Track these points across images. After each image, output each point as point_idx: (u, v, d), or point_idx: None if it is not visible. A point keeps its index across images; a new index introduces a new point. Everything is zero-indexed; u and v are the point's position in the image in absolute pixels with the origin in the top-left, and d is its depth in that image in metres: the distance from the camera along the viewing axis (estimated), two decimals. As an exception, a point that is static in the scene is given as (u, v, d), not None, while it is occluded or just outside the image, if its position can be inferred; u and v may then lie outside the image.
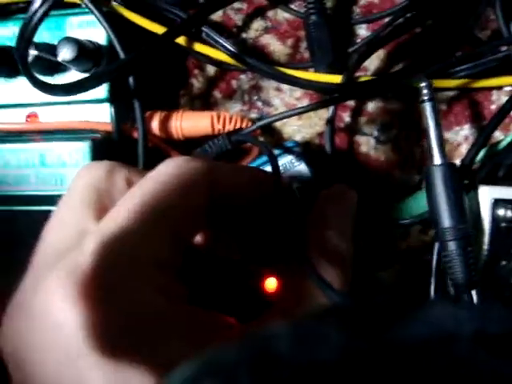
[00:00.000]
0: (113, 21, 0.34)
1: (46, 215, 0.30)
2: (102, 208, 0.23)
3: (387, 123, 0.37)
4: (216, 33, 0.35)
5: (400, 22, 0.36)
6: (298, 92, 0.37)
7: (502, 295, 0.33)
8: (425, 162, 0.36)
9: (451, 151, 0.37)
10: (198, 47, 0.35)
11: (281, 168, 0.32)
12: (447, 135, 0.37)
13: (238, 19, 0.38)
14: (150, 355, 0.19)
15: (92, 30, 0.34)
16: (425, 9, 0.37)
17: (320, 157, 0.35)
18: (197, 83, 0.38)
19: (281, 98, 0.38)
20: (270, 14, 0.38)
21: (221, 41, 0.35)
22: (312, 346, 0.14)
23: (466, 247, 0.31)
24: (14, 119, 0.35)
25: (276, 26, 0.38)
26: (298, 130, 0.38)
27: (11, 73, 0.34)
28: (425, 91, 0.31)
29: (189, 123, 0.35)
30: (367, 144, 0.37)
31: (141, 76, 0.34)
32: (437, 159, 0.31)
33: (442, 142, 0.31)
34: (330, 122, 0.35)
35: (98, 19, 0.33)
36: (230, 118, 0.35)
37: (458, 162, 0.36)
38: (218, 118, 0.35)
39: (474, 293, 0.32)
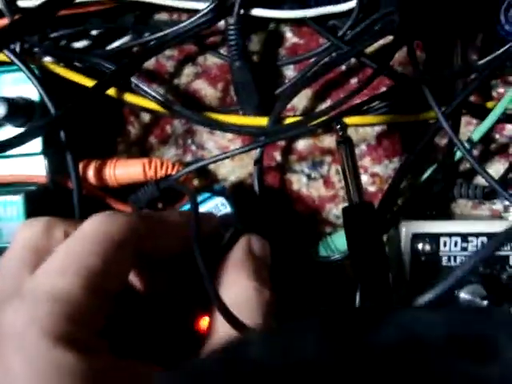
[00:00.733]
0: (45, 77, 0.35)
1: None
2: (39, 264, 0.24)
3: (318, 160, 0.39)
4: (144, 83, 0.36)
5: (325, 62, 0.38)
6: (230, 134, 0.39)
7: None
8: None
9: (382, 184, 0.38)
10: (129, 97, 0.37)
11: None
12: (377, 169, 0.38)
13: (169, 66, 0.39)
14: None
15: (25, 86, 0.35)
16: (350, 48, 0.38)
17: (250, 196, 0.37)
18: (133, 130, 0.40)
19: (214, 140, 0.39)
20: (200, 59, 0.39)
21: (149, 90, 0.36)
22: (287, 350, 0.15)
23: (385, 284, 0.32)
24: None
25: (206, 70, 0.39)
26: (231, 170, 0.39)
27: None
28: (340, 133, 0.32)
29: (122, 171, 0.36)
30: (299, 181, 0.39)
31: (74, 128, 0.36)
32: (353, 198, 0.32)
33: (357, 181, 0.32)
34: (258, 162, 0.36)
35: (28, 77, 0.34)
36: (162, 164, 0.36)
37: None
38: (150, 164, 0.36)
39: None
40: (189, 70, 0.39)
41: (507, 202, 0.36)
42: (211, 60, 0.39)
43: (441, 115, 0.33)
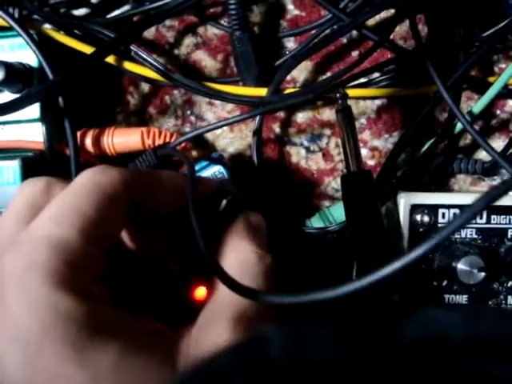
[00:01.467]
0: (43, 43, 0.35)
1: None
2: None
3: (317, 133, 0.38)
4: (144, 51, 0.36)
5: (326, 34, 0.37)
6: (230, 106, 0.38)
7: (423, 297, 0.33)
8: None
9: (381, 158, 0.38)
10: (129, 66, 0.36)
11: (204, 180, 0.33)
12: (376, 143, 0.38)
13: (169, 36, 0.39)
14: (75, 363, 0.20)
15: (23, 52, 0.35)
16: (351, 20, 0.37)
17: (249, 168, 0.36)
18: (132, 100, 0.39)
19: (213, 111, 0.39)
20: (201, 30, 0.39)
21: (149, 59, 0.36)
22: (305, 349, 0.15)
23: (381, 252, 0.32)
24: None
25: (206, 41, 0.39)
26: (230, 142, 0.39)
27: None
28: (339, 101, 0.32)
29: (120, 139, 0.36)
30: (298, 154, 0.38)
31: (72, 95, 0.35)
32: (351, 167, 0.32)
33: (356, 151, 0.32)
34: (257, 133, 0.36)
35: (27, 42, 0.34)
36: (160, 133, 0.36)
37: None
38: (148, 133, 0.36)
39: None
40: (189, 41, 0.39)
41: (507, 178, 0.36)
42: (211, 31, 0.39)
43: (441, 85, 0.33)
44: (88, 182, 0.25)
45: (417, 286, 0.33)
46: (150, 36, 0.39)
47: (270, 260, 0.28)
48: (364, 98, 0.38)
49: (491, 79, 0.37)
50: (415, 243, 0.31)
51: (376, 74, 0.37)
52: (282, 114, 0.38)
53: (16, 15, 0.36)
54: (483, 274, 0.31)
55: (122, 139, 0.36)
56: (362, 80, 0.37)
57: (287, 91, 0.36)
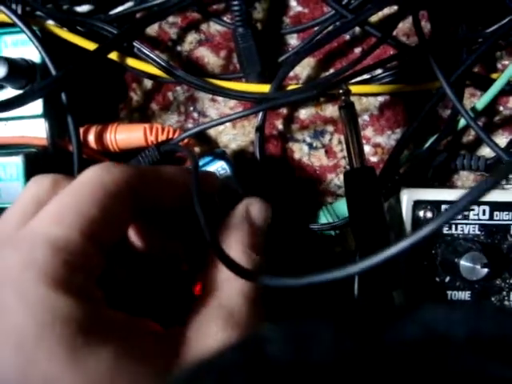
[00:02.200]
0: (46, 39, 0.35)
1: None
2: None
3: (320, 129, 0.38)
4: (147, 47, 0.36)
5: (329, 30, 0.37)
6: (232, 102, 0.39)
7: (426, 293, 0.33)
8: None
9: (384, 155, 0.38)
10: (132, 62, 0.36)
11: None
12: (379, 139, 0.38)
13: (172, 33, 0.39)
14: (71, 365, 0.20)
15: (26, 48, 0.35)
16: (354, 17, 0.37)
17: (252, 165, 0.36)
18: (135, 96, 0.39)
19: (216, 108, 0.39)
20: (204, 26, 0.39)
21: (152, 55, 0.36)
22: (305, 348, 0.15)
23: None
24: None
25: (209, 38, 0.39)
26: (233, 138, 0.39)
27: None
28: (342, 98, 0.32)
29: (122, 136, 0.36)
30: (300, 150, 0.38)
31: (75, 91, 0.35)
32: (354, 163, 0.32)
33: (360, 147, 0.32)
34: (259, 129, 0.36)
35: (30, 38, 0.34)
36: (163, 129, 0.36)
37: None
38: (151, 129, 0.36)
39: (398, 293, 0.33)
40: (192, 38, 0.39)
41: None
42: (214, 27, 0.39)
43: (444, 81, 0.33)
44: (91, 180, 0.25)
45: (419, 282, 0.33)
46: (153, 33, 0.39)
47: (258, 259, 0.28)
48: (367, 95, 0.38)
49: (494, 76, 0.37)
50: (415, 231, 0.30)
51: (379, 71, 0.37)
52: (284, 111, 0.38)
53: (19, 11, 0.36)
54: (486, 270, 0.31)
55: (125, 135, 0.36)
56: (365, 76, 0.37)
57: (290, 88, 0.36)
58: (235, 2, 0.35)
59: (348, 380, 0.14)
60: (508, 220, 0.33)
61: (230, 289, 0.26)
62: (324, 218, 0.35)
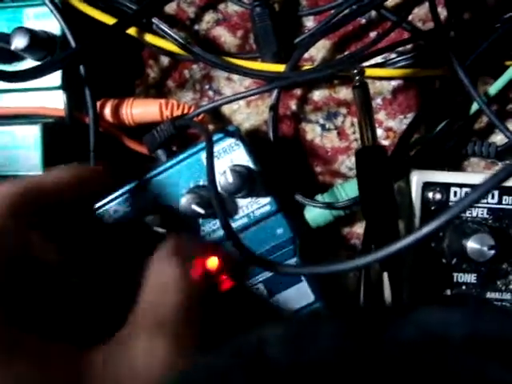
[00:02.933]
0: (67, 12, 0.36)
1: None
2: None
3: (333, 111, 0.39)
4: (166, 24, 0.36)
5: (345, 13, 0.38)
6: (248, 81, 0.39)
7: (432, 275, 0.34)
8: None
9: (395, 139, 0.38)
10: (150, 38, 0.37)
11: (220, 150, 0.33)
12: (391, 124, 0.39)
13: (190, 12, 0.39)
14: None
15: (47, 21, 0.36)
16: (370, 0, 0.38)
17: (265, 143, 0.37)
18: (151, 73, 0.40)
19: (231, 87, 0.39)
20: (221, 6, 0.39)
21: (170, 32, 0.36)
22: (304, 349, 0.15)
23: (393, 226, 0.32)
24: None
25: (227, 18, 0.39)
26: (246, 117, 0.39)
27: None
28: (356, 77, 0.33)
29: (138, 110, 0.37)
30: (313, 131, 0.39)
31: (94, 65, 0.36)
32: (366, 142, 0.32)
33: (372, 126, 0.32)
34: (273, 108, 0.36)
35: (51, 10, 0.35)
36: (178, 105, 0.37)
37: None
38: (166, 104, 0.36)
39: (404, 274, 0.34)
40: (209, 17, 0.39)
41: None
42: (232, 7, 0.39)
43: (458, 65, 0.33)
44: None
45: (426, 264, 0.34)
46: (171, 11, 0.40)
47: (191, 289, 0.27)
48: (380, 79, 0.38)
49: (508, 63, 0.37)
50: (427, 221, 0.31)
51: (393, 55, 0.37)
52: (298, 92, 0.39)
53: (41, -16, 0.36)
54: (493, 252, 0.32)
55: (141, 110, 0.37)
56: (379, 60, 0.38)
57: (304, 68, 0.37)
58: (254, -18, 0.36)
59: (347, 381, 0.14)
60: (517, 206, 0.34)
61: (159, 300, 0.26)
62: (333, 198, 0.36)
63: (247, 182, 0.32)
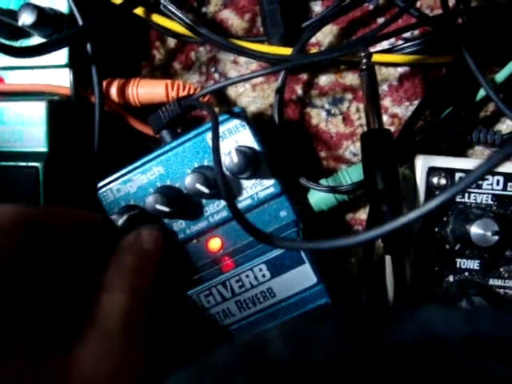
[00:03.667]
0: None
1: (3, 170, 0.32)
2: None
3: (339, 96, 0.39)
4: (173, 5, 0.36)
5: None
6: (254, 65, 0.39)
7: (436, 259, 0.34)
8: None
9: (400, 126, 0.38)
10: (157, 19, 0.37)
11: (225, 131, 0.33)
12: (397, 110, 0.39)
13: (198, -6, 0.39)
14: None
15: (55, -3, 0.36)
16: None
17: (270, 126, 0.37)
18: (158, 54, 0.40)
19: (237, 69, 0.39)
20: (229, -11, 0.39)
21: (178, 13, 0.36)
22: (306, 348, 0.15)
23: (396, 210, 0.32)
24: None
25: (234, 0, 0.39)
26: (252, 101, 0.39)
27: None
28: (364, 61, 0.33)
29: (144, 90, 0.37)
30: (318, 116, 0.39)
31: (100, 44, 0.36)
32: (371, 125, 0.32)
33: (377, 110, 0.32)
34: (279, 91, 0.36)
35: (59, -13, 0.35)
36: (184, 86, 0.37)
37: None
38: (172, 85, 0.36)
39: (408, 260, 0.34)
40: (217, -1, 0.39)
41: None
42: (240, -10, 0.39)
43: (465, 51, 0.33)
44: None
45: (429, 249, 0.34)
46: (179, -7, 0.40)
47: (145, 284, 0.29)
48: (387, 65, 0.38)
49: (516, 51, 0.37)
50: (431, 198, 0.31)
51: (400, 41, 0.37)
52: (304, 76, 0.39)
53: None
54: (496, 237, 0.32)
55: (147, 90, 0.37)
56: (387, 46, 0.37)
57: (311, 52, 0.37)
58: (262, -35, 0.36)
59: (348, 379, 0.14)
60: (521, 193, 0.33)
61: (107, 309, 0.27)
62: (339, 181, 0.36)
63: (252, 163, 0.32)
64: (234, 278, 0.32)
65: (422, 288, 0.34)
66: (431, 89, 0.37)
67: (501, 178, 0.33)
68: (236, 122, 0.34)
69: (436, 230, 0.34)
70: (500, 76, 0.35)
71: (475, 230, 0.32)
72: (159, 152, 0.34)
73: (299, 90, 0.39)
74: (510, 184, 0.33)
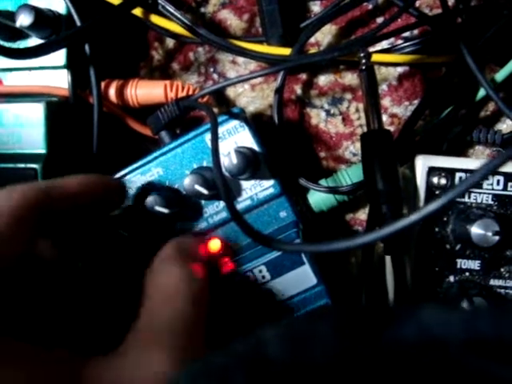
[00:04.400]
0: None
1: (1, 172, 0.32)
2: None
3: (338, 96, 0.39)
4: (171, 5, 0.36)
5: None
6: (253, 65, 0.39)
7: (436, 260, 0.33)
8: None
9: (400, 125, 0.38)
10: (155, 19, 0.37)
11: (225, 132, 0.33)
12: (396, 110, 0.38)
13: (196, -6, 0.39)
14: None
15: (53, -1, 0.36)
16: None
17: (269, 126, 0.37)
18: (156, 55, 0.40)
19: (236, 70, 0.39)
20: (228, -11, 0.39)
21: (176, 13, 0.36)
22: (305, 348, 0.15)
23: (397, 211, 0.32)
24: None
25: (233, 1, 0.39)
26: (251, 101, 0.39)
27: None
28: (363, 61, 0.32)
29: (143, 91, 0.37)
30: (317, 116, 0.39)
31: (99, 45, 0.36)
32: (371, 125, 0.32)
33: (377, 109, 0.32)
34: (278, 91, 0.36)
35: (57, -12, 0.35)
36: (183, 87, 0.36)
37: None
38: (171, 86, 0.36)
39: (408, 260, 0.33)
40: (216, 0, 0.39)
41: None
42: (238, -10, 0.39)
43: (465, 50, 0.33)
44: None
45: (430, 249, 0.33)
46: (178, -7, 0.39)
47: (199, 284, 0.27)
48: (386, 64, 0.38)
49: (515, 51, 0.36)
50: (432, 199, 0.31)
51: (399, 41, 0.37)
52: (304, 76, 0.39)
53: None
54: (497, 237, 0.32)
55: (146, 91, 0.37)
56: (386, 46, 0.37)
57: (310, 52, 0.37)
58: (261, -35, 0.36)
59: (346, 380, 0.14)
60: (522, 193, 0.33)
61: (166, 311, 0.25)
62: (338, 182, 0.35)
63: (251, 164, 0.32)
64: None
65: (422, 288, 0.34)
66: (431, 88, 0.37)
67: (501, 178, 0.33)
68: (235, 122, 0.33)
69: (436, 230, 0.33)
70: (500, 75, 0.35)
71: (476, 230, 0.32)
72: (158, 153, 0.34)
73: (298, 90, 0.39)
74: (510, 184, 0.33)
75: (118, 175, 0.34)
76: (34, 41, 0.36)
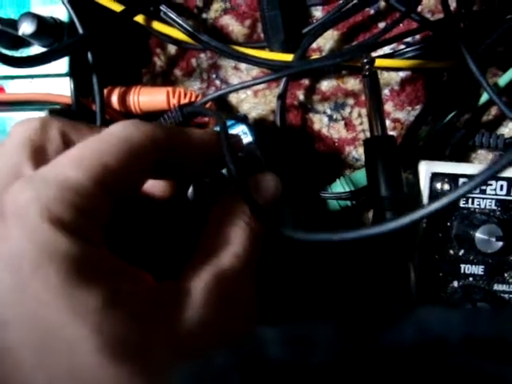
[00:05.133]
0: (74, -1, 0.35)
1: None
2: (35, 157, 0.24)
3: (341, 102, 0.39)
4: (173, 12, 0.36)
5: (355, 3, 0.37)
6: (255, 71, 0.39)
7: (440, 265, 0.33)
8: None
9: (402, 130, 0.38)
10: (157, 26, 0.37)
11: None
12: (399, 115, 0.38)
13: (198, 0, 0.39)
14: (60, 291, 0.20)
15: (55, 7, 0.36)
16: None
17: (272, 132, 0.37)
18: (158, 61, 0.40)
19: (238, 76, 0.39)
20: (230, -5, 0.39)
21: (178, 20, 0.36)
22: (303, 349, 0.15)
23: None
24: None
25: (235, 7, 0.39)
26: (254, 107, 0.39)
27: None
28: (366, 66, 0.32)
29: (145, 98, 0.37)
30: (320, 122, 0.39)
31: (101, 52, 0.36)
32: (375, 131, 0.32)
33: (381, 115, 0.32)
34: (281, 97, 0.36)
35: (58, -4, 0.35)
36: (185, 93, 0.36)
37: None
38: (174, 93, 0.36)
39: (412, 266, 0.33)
40: (217, 5, 0.39)
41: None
42: (240, -4, 0.39)
43: (468, 55, 0.33)
44: (119, 134, 0.24)
45: (433, 254, 0.33)
46: (179, -1, 0.39)
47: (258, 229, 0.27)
48: (388, 70, 0.38)
49: (518, 55, 0.37)
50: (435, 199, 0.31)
51: (402, 46, 0.37)
52: (306, 82, 0.39)
53: (49, -30, 0.36)
54: (501, 243, 0.32)
55: (148, 98, 0.37)
56: (388, 51, 0.37)
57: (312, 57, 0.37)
58: (262, -30, 0.36)
59: (346, 380, 0.14)
60: (525, 197, 0.33)
61: (227, 252, 0.26)
62: (341, 187, 0.35)
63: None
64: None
65: (426, 294, 0.34)
66: (433, 93, 0.37)
67: (504, 183, 0.33)
68: (239, 128, 0.34)
69: (440, 235, 0.33)
70: (503, 80, 0.35)
71: (479, 235, 0.32)
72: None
73: (301, 96, 0.39)
74: (513, 189, 0.33)
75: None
76: (36, 49, 0.36)
